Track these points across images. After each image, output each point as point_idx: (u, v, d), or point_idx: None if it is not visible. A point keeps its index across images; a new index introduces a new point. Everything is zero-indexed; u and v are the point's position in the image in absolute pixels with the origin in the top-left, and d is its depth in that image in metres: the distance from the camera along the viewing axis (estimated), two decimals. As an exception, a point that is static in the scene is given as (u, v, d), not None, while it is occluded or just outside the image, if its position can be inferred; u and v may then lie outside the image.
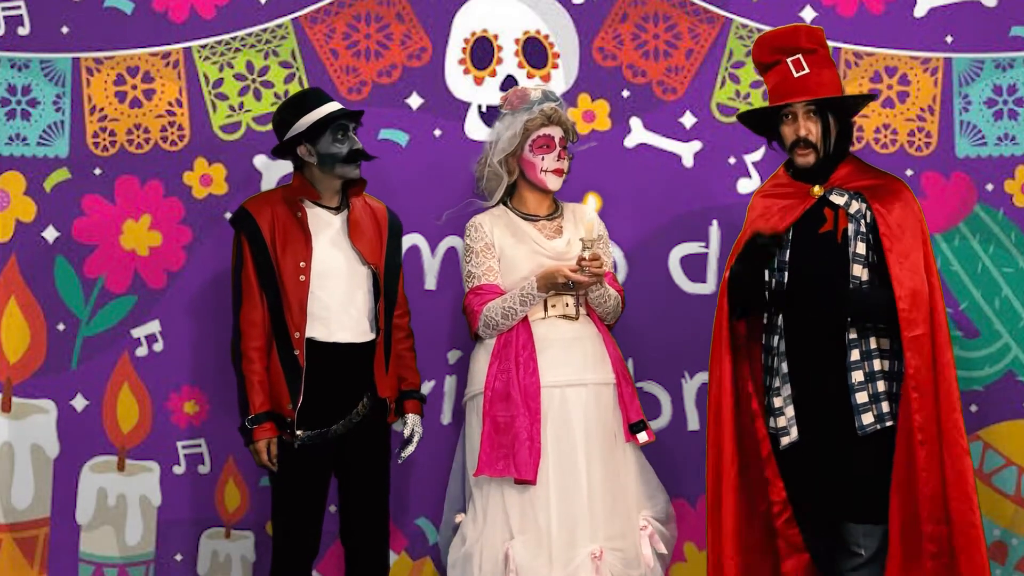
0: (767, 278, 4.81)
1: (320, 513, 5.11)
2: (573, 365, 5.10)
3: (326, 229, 5.11)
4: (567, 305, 5.14)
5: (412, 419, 5.22)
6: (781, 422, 4.73)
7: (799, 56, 4.71)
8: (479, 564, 5.01)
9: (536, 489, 4.99)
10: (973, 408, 5.61)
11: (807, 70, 4.71)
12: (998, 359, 5.65)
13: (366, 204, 5.20)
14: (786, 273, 4.77)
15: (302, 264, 5.03)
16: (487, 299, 5.14)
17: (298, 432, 5.00)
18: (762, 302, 4.81)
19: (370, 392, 5.08)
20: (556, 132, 5.19)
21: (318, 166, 5.10)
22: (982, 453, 5.61)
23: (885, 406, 4.66)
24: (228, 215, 5.56)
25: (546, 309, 5.13)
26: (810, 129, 4.72)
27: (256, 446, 5.00)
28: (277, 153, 5.16)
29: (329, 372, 5.03)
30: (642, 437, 5.11)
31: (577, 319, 5.15)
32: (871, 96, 4.98)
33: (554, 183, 5.19)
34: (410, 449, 5.21)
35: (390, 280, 5.15)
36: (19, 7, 5.63)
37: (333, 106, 5.09)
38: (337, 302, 5.05)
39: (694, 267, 5.70)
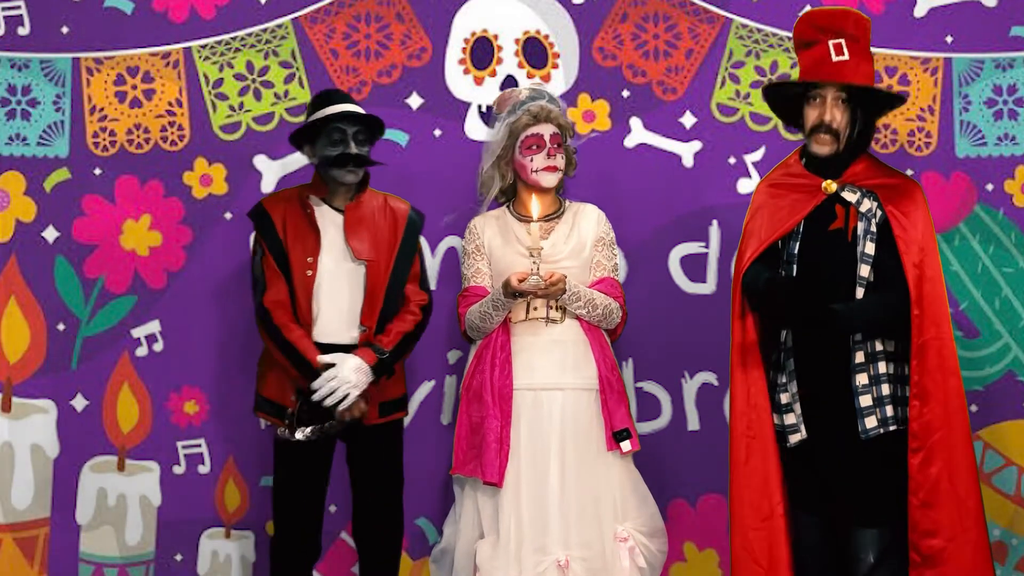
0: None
1: (319, 512, 5.11)
2: (549, 368, 5.05)
3: (329, 228, 5.10)
4: (550, 309, 5.11)
5: (344, 361, 4.96)
6: (790, 419, 4.68)
7: (842, 41, 4.51)
8: (452, 561, 5.04)
9: (505, 491, 4.96)
10: (973, 408, 5.61)
11: (846, 56, 4.51)
12: (998, 359, 5.65)
13: (386, 204, 5.18)
14: (795, 266, 4.72)
15: (309, 259, 5.04)
16: (471, 302, 5.13)
17: (302, 429, 4.99)
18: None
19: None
20: (546, 130, 5.16)
21: (318, 168, 5.11)
22: (982, 453, 5.61)
23: (889, 410, 4.61)
24: (228, 215, 5.57)
25: (527, 312, 5.11)
26: (836, 116, 4.57)
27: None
28: (299, 149, 5.18)
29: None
30: (625, 446, 5.02)
31: (560, 323, 5.11)
32: (902, 97, 4.78)
33: (547, 181, 5.16)
34: (321, 394, 4.96)
35: (396, 278, 5.13)
36: (19, 7, 5.63)
37: (338, 108, 5.08)
38: (330, 301, 5.05)
39: (694, 267, 5.69)
